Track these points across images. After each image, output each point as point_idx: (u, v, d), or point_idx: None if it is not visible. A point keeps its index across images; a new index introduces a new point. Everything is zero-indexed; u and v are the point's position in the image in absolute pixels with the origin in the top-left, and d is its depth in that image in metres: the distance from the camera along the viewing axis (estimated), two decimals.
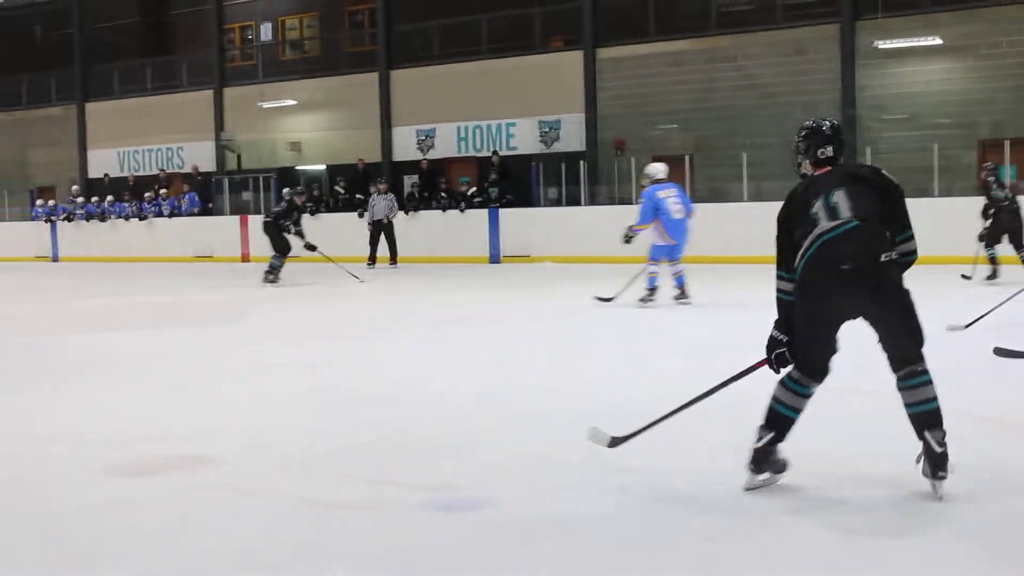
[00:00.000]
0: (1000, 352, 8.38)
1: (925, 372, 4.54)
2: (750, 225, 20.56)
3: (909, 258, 4.67)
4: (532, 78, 26.78)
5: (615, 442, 5.03)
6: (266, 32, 32.85)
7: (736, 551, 4.04)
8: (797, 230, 4.69)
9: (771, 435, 4.73)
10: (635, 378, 8.07)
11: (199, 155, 31.90)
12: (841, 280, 4.50)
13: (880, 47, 23.19)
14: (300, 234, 18.20)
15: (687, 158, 23.19)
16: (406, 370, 8.81)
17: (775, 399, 4.76)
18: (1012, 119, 22.05)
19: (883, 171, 4.75)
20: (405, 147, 29.02)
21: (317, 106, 30.67)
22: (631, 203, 23.98)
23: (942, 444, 4.45)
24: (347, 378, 8.37)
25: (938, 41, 22.84)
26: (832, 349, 4.71)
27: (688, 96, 25.09)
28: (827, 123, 4.95)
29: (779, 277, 4.83)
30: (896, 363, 4.58)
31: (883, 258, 4.50)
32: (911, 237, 4.69)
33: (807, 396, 4.75)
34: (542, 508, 4.59)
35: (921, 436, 4.49)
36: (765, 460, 4.75)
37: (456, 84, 27.95)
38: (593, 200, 24.78)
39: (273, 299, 15.90)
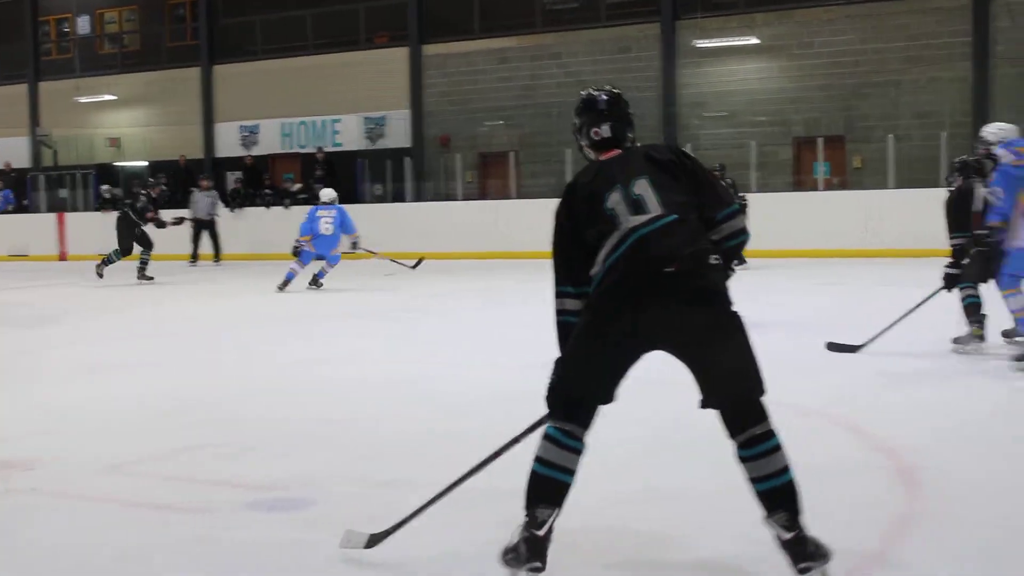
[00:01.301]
0: (833, 347, 8.17)
1: (772, 435, 3.37)
2: None
3: (739, 239, 3.58)
4: (357, 74, 26.14)
5: (373, 540, 3.79)
6: (83, 25, 31.33)
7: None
8: (589, 230, 3.51)
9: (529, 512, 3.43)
10: (451, 374, 7.79)
11: (13, 151, 30.22)
12: (658, 288, 3.33)
13: (699, 46, 23.26)
14: (159, 223, 17.37)
15: (512, 155, 22.93)
16: (233, 370, 8.41)
17: (536, 460, 3.47)
18: (825, 117, 22.36)
19: (683, 150, 3.72)
20: (228, 143, 28.07)
21: (137, 101, 29.40)
22: (456, 199, 23.75)
23: (792, 527, 3.32)
24: (173, 379, 7.95)
25: (754, 41, 23.02)
26: (606, 390, 3.47)
27: (513, 93, 24.81)
28: (603, 96, 3.82)
29: (561, 295, 3.60)
30: (732, 424, 3.39)
31: (712, 260, 3.40)
32: (737, 212, 3.61)
33: (577, 450, 3.47)
34: (368, 507, 4.40)
35: (769, 518, 3.36)
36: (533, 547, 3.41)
37: (280, 80, 27.10)
38: (419, 196, 24.32)
39: (95, 299, 15.11)
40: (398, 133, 25.88)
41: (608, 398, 3.48)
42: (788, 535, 3.31)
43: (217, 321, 12.20)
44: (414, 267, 16.58)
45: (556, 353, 3.57)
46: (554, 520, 3.42)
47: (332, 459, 5.32)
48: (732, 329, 3.37)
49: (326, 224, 15.18)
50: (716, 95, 23.46)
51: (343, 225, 15.23)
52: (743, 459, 3.36)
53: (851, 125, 22.20)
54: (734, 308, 3.40)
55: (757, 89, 23.17)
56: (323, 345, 9.74)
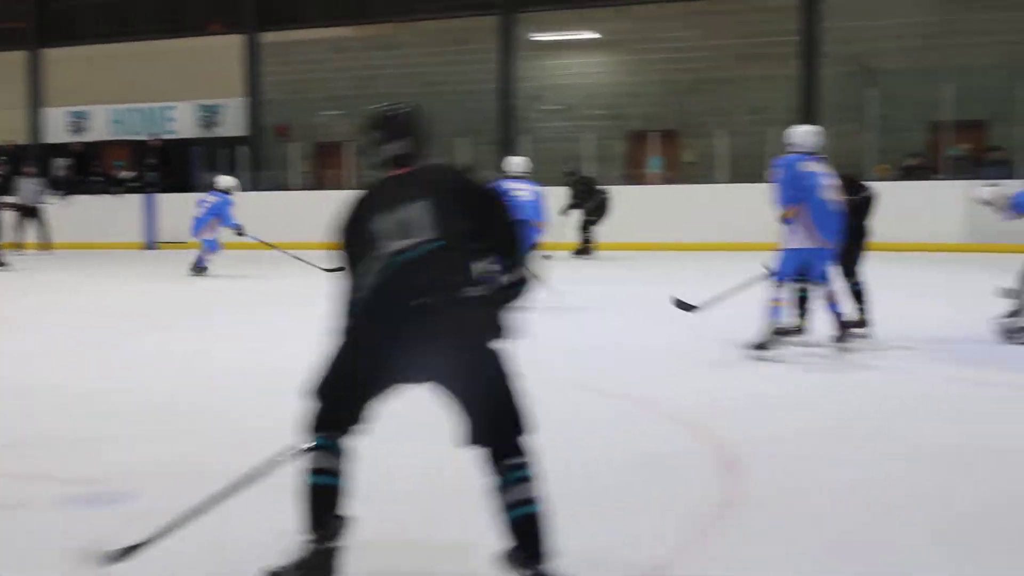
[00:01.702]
0: (678, 304, 8.34)
1: (525, 466, 3.22)
2: None
3: (516, 290, 3.29)
4: (192, 61, 25.41)
5: (119, 555, 3.38)
6: None
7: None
8: (354, 248, 3.38)
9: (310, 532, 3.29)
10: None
11: None
12: (411, 321, 3.18)
13: (538, 40, 23.23)
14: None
15: (349, 145, 22.60)
16: (54, 362, 8.04)
17: (306, 472, 3.32)
18: (660, 112, 22.52)
19: (474, 175, 3.50)
20: (57, 129, 27.02)
21: None
22: (295, 189, 23.25)
23: (530, 567, 3.16)
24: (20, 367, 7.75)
25: (593, 35, 23.07)
26: (359, 411, 3.34)
27: (351, 83, 24.37)
28: (394, 112, 3.59)
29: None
30: (488, 455, 3.25)
31: (471, 294, 3.21)
32: (519, 263, 3.32)
33: (336, 451, 3.32)
34: (186, 500, 4.06)
35: (517, 552, 3.18)
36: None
37: (112, 65, 26.13)
38: (256, 186, 23.73)
39: None
40: (234, 121, 25.27)
41: (361, 419, 3.35)
42: (527, 573, 3.17)
43: (42, 312, 11.65)
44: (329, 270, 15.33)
45: None
46: (340, 530, 3.31)
47: (165, 452, 5.15)
48: (490, 367, 3.23)
49: (202, 210, 15.11)
50: (554, 88, 23.45)
51: (219, 214, 14.96)
52: (495, 488, 3.23)
53: (685, 120, 22.40)
54: (499, 343, 3.25)
55: (594, 83, 23.24)
56: (191, 334, 9.51)
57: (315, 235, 16.10)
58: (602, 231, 18.13)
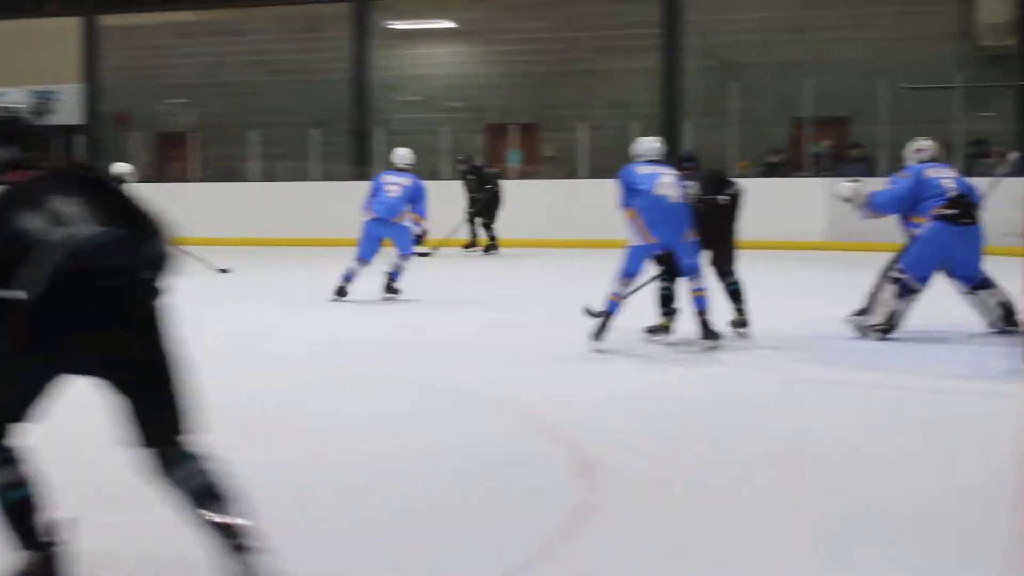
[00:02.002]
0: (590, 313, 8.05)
1: (196, 456, 3.21)
2: (265, 206, 19.39)
3: (160, 263, 3.20)
4: (24, 44, 23.79)
5: None
6: None
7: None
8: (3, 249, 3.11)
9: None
10: None
11: None
12: (77, 310, 3.02)
13: (393, 28, 22.50)
14: None
15: (194, 135, 21.60)
16: None
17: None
18: (519, 105, 22.01)
19: (100, 170, 3.38)
20: None
21: None
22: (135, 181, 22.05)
23: (219, 513, 3.14)
24: None
25: (449, 25, 22.48)
26: (19, 412, 3.16)
27: (196, 70, 23.25)
28: (7, 117, 3.51)
29: None
30: (159, 452, 3.21)
31: (145, 277, 3.15)
32: (157, 237, 3.21)
33: (14, 461, 3.17)
34: None
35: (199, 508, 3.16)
36: None
37: None
38: None
39: None
40: (69, 109, 23.89)
41: (23, 419, 3.18)
42: (220, 519, 3.12)
43: None
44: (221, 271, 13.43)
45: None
46: (53, 535, 3.21)
47: None
48: (160, 357, 3.21)
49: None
50: (410, 79, 22.76)
51: None
52: (172, 481, 3.21)
53: (545, 113, 21.95)
54: (166, 336, 3.22)
55: (452, 74, 22.66)
56: None
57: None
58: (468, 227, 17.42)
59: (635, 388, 6.72)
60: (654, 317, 8.21)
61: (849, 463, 4.91)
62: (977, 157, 17.85)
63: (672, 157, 9.15)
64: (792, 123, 19.71)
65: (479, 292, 11.96)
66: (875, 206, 8.21)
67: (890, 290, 7.81)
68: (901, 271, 7.83)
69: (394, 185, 10.96)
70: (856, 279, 8.77)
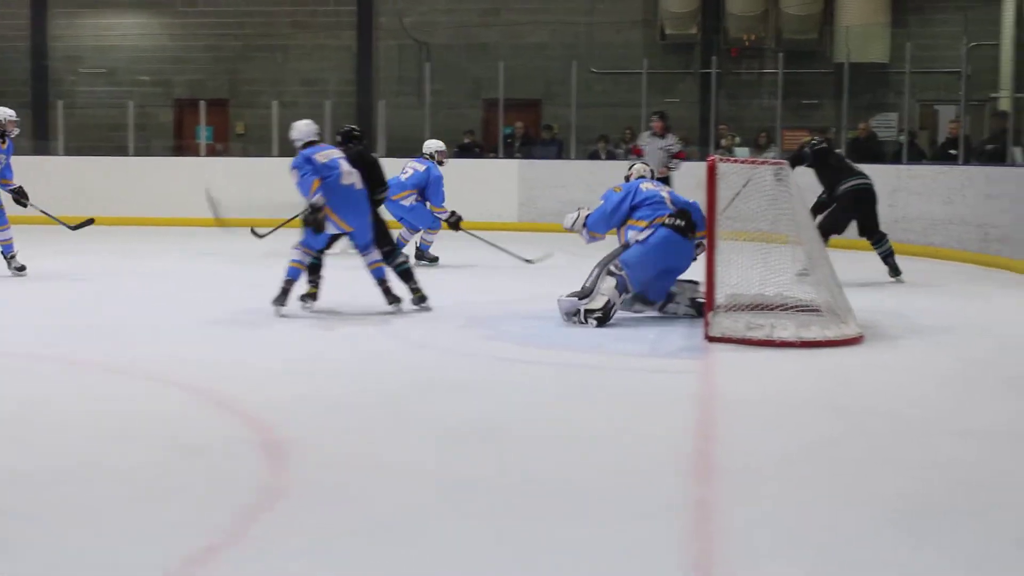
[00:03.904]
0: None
1: None
2: None
3: None
4: None
5: None
6: None
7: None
8: None
9: None
10: None
11: None
12: None
13: None
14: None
15: None
16: None
17: None
18: (209, 80, 21.24)
19: None
20: None
21: None
22: None
23: None
24: None
25: None
26: None
27: None
28: None
29: None
30: None
31: None
32: None
33: None
34: None
35: None
36: None
37: None
38: None
39: None
40: None
41: None
42: None
43: None
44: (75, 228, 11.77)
45: None
46: None
47: None
48: None
49: None
50: (94, 50, 21.54)
51: None
52: None
53: (236, 89, 21.31)
54: None
55: (138, 46, 21.56)
56: None
57: None
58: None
59: (327, 362, 6.72)
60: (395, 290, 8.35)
61: (535, 439, 4.95)
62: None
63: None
64: (486, 105, 19.90)
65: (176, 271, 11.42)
66: (591, 227, 8.29)
67: (609, 281, 7.85)
68: (620, 269, 7.86)
69: (410, 168, 11.64)
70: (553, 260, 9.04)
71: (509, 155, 17.75)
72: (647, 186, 8.30)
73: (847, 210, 10.48)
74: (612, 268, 7.89)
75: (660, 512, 3.93)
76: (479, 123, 20.36)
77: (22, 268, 10.30)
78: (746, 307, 7.49)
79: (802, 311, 7.43)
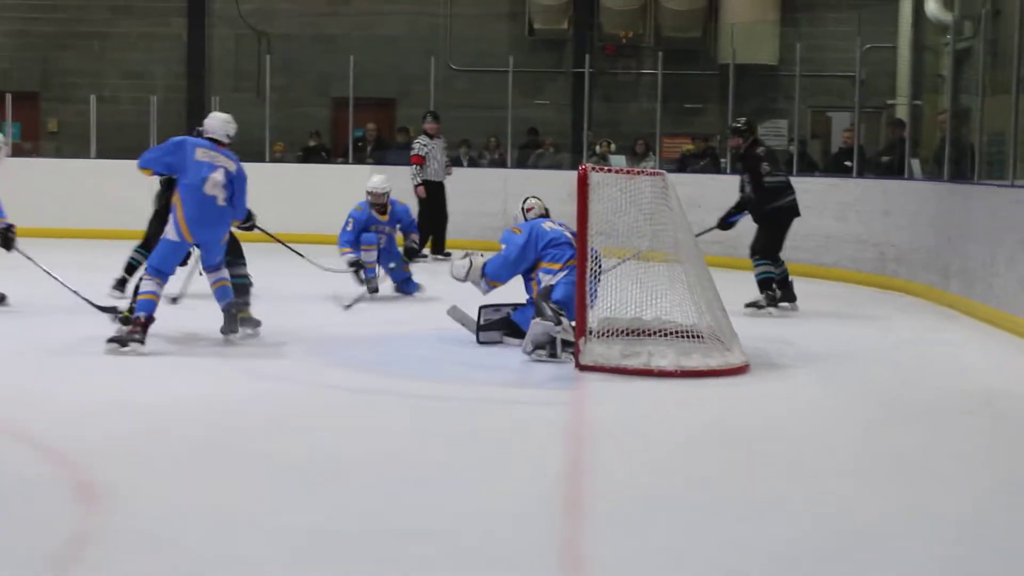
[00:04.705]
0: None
1: None
2: None
3: None
4: None
5: None
6: None
7: None
8: None
9: None
10: None
11: None
12: None
13: None
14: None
15: None
16: None
17: None
18: (15, 69, 20.80)
19: None
20: None
21: None
22: None
23: None
24: None
25: None
26: None
27: None
28: None
29: None
30: None
31: None
32: None
33: None
34: None
35: None
36: None
37: None
38: None
39: None
40: None
41: None
42: None
43: None
44: None
45: None
46: None
47: None
48: None
49: None
50: None
51: None
52: None
53: (48, 81, 20.93)
54: None
55: None
56: None
57: None
58: None
59: (137, 393, 6.59)
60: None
61: (386, 480, 4.92)
62: (528, 147, 18.65)
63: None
64: (334, 104, 19.79)
65: None
66: (492, 276, 8.29)
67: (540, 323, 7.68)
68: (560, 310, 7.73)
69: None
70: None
71: (360, 160, 17.63)
72: (549, 225, 8.38)
73: (783, 227, 10.53)
74: (548, 310, 7.74)
75: (526, 560, 3.93)
76: (327, 124, 20.24)
77: None
78: (621, 332, 7.57)
79: (683, 337, 7.53)
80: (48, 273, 8.80)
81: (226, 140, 8.03)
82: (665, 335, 7.56)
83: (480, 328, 8.27)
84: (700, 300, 7.74)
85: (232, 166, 7.94)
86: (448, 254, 11.59)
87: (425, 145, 14.87)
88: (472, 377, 7.28)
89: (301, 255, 10.81)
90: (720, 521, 4.44)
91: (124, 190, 13.30)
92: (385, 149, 18.17)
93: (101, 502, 4.56)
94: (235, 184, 7.94)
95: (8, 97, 18.07)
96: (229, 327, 7.95)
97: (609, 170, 8.79)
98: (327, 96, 20.07)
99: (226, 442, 5.56)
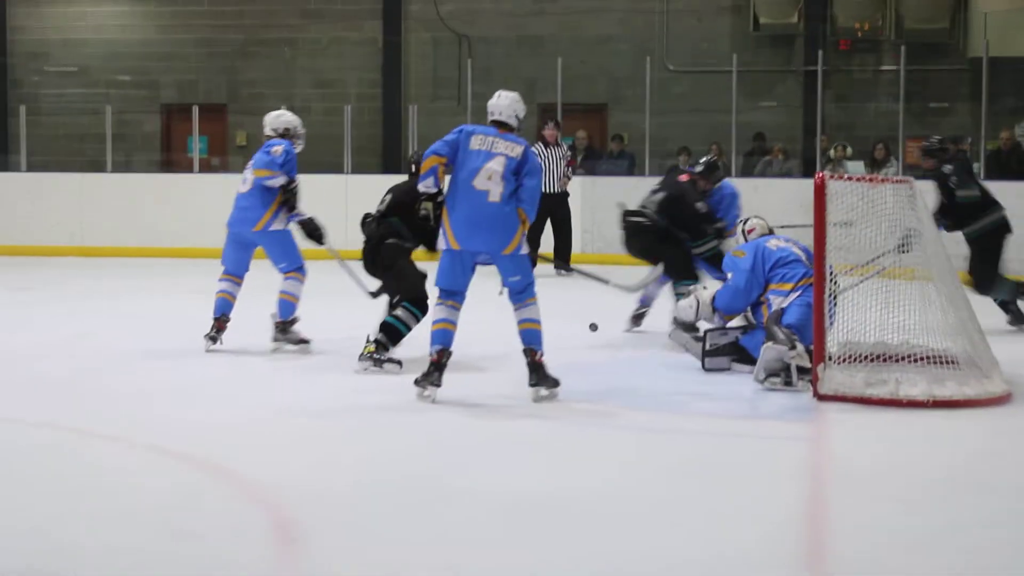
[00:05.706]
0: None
1: None
2: None
3: None
4: None
5: None
6: None
7: None
8: None
9: None
10: None
11: None
12: None
13: None
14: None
15: None
16: None
17: None
18: (202, 81, 21.61)
19: None
20: None
21: None
22: None
23: None
24: None
25: None
26: None
27: None
28: None
29: None
30: None
31: None
32: None
33: None
34: None
35: None
36: None
37: None
38: None
39: None
40: None
41: None
42: None
43: None
44: None
45: None
46: None
47: None
48: None
49: None
50: (63, 44, 21.94)
51: None
52: None
53: (235, 92, 21.63)
54: None
55: (116, 40, 21.89)
56: None
57: None
58: None
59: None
60: None
61: (615, 519, 4.93)
62: (755, 154, 18.56)
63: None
64: (540, 111, 19.97)
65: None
66: (725, 310, 8.38)
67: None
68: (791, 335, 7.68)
69: None
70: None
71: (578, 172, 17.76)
72: (775, 244, 8.40)
73: (997, 250, 10.39)
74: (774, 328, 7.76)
75: None
76: (532, 132, 20.41)
77: None
78: (864, 358, 7.50)
79: (934, 363, 7.42)
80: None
81: (514, 123, 7.40)
82: (914, 360, 7.48)
83: (706, 354, 8.29)
84: (953, 321, 7.61)
85: (517, 151, 7.23)
86: (571, 270, 11.18)
87: (539, 154, 14.62)
88: (698, 408, 7.30)
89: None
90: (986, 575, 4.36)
91: (316, 206, 13.60)
92: (596, 159, 18.25)
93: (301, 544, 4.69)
94: (524, 176, 7.22)
95: (195, 110, 18.70)
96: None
97: (849, 178, 8.64)
98: (533, 103, 20.17)
99: (421, 476, 5.66)
